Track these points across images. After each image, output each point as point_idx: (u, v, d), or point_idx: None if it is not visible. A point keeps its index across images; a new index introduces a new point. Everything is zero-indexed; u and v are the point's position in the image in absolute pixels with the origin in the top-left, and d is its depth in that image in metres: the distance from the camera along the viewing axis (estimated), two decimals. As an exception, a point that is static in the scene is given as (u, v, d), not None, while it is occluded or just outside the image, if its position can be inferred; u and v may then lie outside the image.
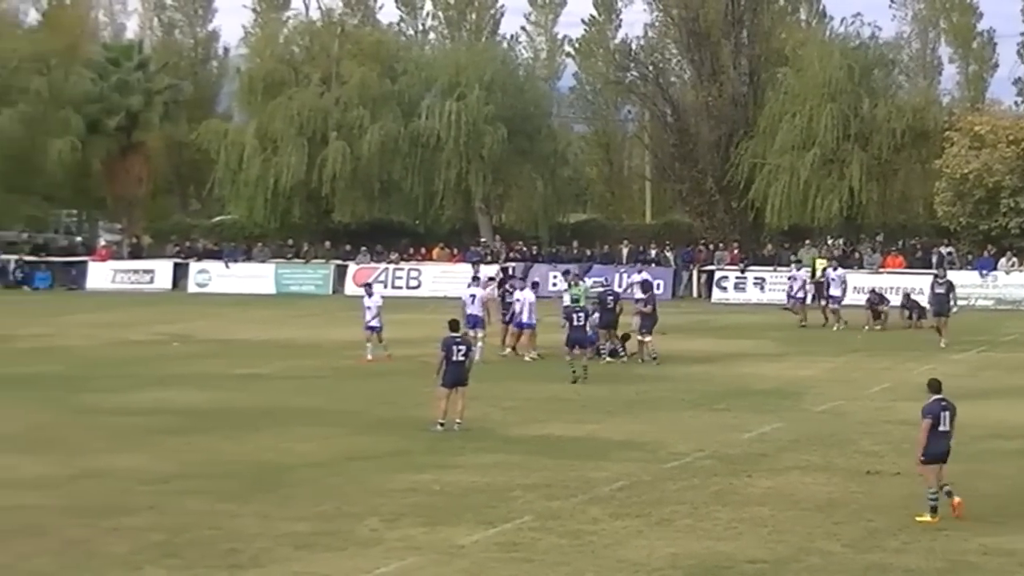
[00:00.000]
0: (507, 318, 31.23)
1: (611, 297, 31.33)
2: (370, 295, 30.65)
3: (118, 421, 22.41)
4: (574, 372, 26.77)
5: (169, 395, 25.39)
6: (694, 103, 53.72)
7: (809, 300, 40.74)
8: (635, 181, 67.95)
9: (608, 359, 30.03)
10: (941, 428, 15.93)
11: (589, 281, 34.53)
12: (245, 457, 19.55)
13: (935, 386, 16.06)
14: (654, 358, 29.69)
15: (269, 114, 53.88)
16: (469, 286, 31.69)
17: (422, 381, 23.91)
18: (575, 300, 30.03)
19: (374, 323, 29.97)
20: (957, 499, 15.80)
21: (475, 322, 29.90)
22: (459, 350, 21.40)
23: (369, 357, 29.75)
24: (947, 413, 15.95)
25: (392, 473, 18.35)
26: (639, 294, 31.71)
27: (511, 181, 55.18)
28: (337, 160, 52.64)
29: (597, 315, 29.70)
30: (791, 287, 40.95)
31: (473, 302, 30.46)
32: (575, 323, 27.08)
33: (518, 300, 30.82)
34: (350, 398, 25.33)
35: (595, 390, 25.90)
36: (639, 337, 29.92)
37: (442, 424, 21.37)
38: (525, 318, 30.48)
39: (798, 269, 42.03)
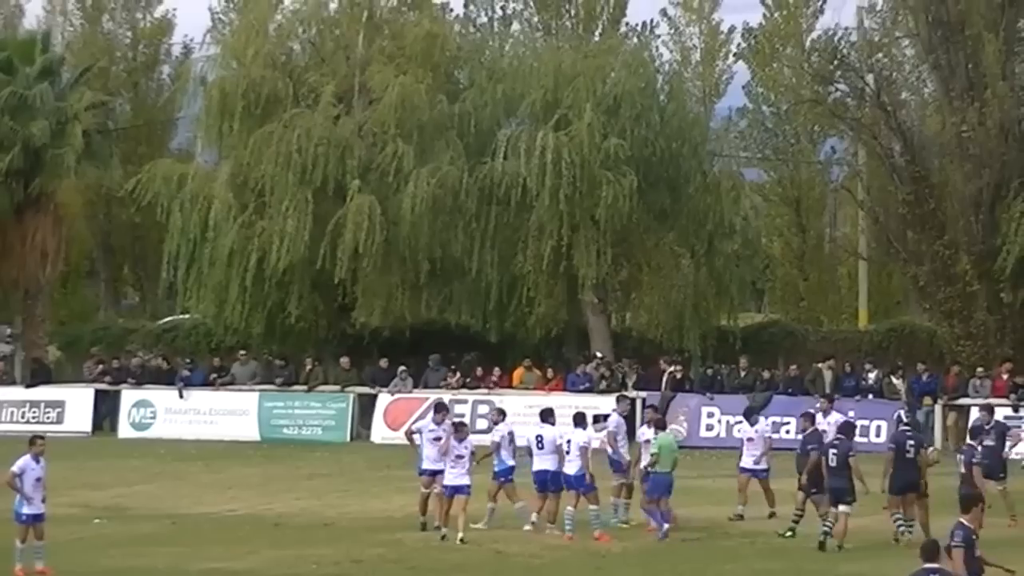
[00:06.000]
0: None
1: (912, 444, 27.14)
2: (37, 459, 24.91)
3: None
4: None
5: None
6: (939, 135, 45.89)
7: None
8: (843, 261, 60.06)
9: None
10: None
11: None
12: None
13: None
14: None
15: (252, 151, 45.81)
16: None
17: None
18: (652, 460, 27.21)
19: (30, 508, 24.43)
20: None
21: (580, 483, 27.12)
22: None
23: (39, 567, 24.79)
24: None
25: None
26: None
27: (643, 259, 47.90)
28: (361, 226, 44.66)
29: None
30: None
31: (580, 451, 27.39)
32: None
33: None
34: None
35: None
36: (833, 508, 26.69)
37: None
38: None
39: None
